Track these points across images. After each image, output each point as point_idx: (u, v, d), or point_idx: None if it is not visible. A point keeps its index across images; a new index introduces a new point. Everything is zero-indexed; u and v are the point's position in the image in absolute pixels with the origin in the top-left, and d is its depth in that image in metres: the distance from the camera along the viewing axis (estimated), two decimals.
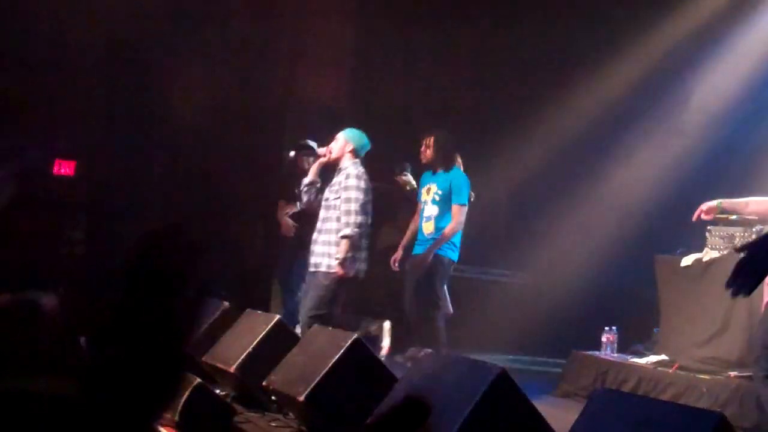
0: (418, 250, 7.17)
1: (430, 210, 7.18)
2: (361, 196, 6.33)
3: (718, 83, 8.43)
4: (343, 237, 6.28)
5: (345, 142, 6.55)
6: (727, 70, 8.39)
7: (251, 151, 8.76)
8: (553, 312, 8.27)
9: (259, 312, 5.66)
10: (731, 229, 6.74)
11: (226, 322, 5.89)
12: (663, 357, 6.94)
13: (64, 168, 8.38)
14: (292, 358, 4.85)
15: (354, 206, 6.30)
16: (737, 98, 8.22)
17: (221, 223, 8.48)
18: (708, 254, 6.86)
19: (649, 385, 6.68)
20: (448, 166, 7.13)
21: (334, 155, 6.55)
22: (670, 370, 6.68)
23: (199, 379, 4.61)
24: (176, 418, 4.41)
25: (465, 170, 7.28)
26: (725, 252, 6.70)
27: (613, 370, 7.04)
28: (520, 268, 7.86)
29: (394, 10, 8.94)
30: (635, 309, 7.86)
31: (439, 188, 7.12)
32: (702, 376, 6.46)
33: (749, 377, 5.61)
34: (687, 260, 7.01)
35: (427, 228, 7.18)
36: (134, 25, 8.24)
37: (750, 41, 8.33)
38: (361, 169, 6.48)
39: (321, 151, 6.66)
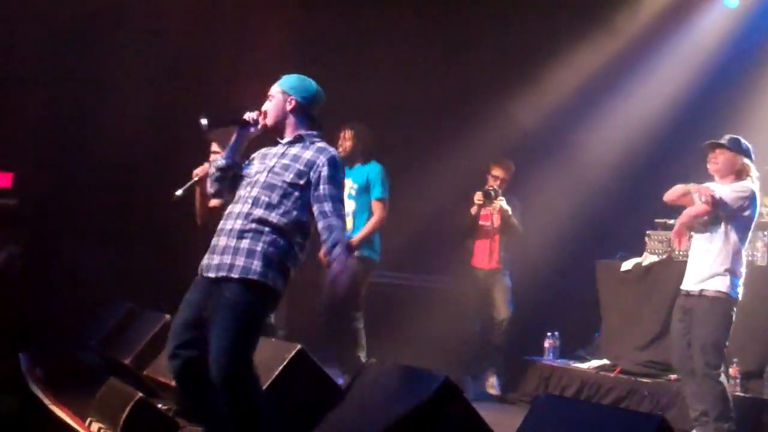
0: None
1: (347, 206, 6.84)
2: None
3: (659, 85, 8.56)
4: None
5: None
6: (669, 71, 8.52)
7: (194, 167, 8.65)
8: (481, 315, 8.28)
9: None
10: (670, 234, 6.84)
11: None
12: (604, 361, 7.01)
13: (2, 180, 8.22)
14: None
15: None
16: (678, 102, 8.35)
17: (162, 235, 8.38)
18: (647, 259, 6.96)
19: (591, 390, 6.75)
20: (366, 158, 6.79)
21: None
22: (612, 375, 6.76)
23: (140, 394, 4.55)
24: None
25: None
26: (664, 256, 6.81)
27: (555, 376, 7.10)
28: (462, 275, 7.88)
29: (339, 11, 8.90)
30: (577, 314, 7.92)
31: (354, 182, 6.72)
32: (643, 380, 6.55)
33: None
34: (627, 265, 7.10)
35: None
36: (75, 35, 8.11)
37: (691, 44, 8.49)
38: None
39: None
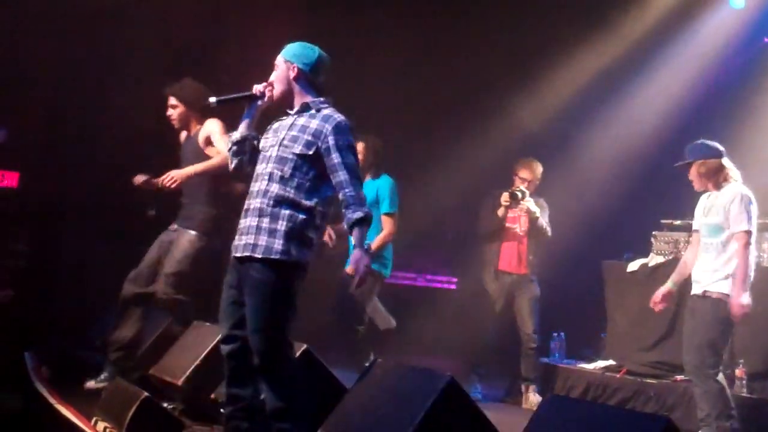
0: (347, 263, 6.47)
1: None
2: None
3: (665, 85, 8.56)
4: None
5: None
6: (674, 72, 8.52)
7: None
8: (501, 318, 8.29)
9: (206, 324, 5.59)
10: (676, 235, 6.84)
11: (174, 334, 5.82)
12: (610, 362, 7.01)
13: (8, 180, 8.24)
14: None
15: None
16: (684, 102, 8.34)
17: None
18: (653, 259, 6.95)
19: (597, 391, 6.74)
20: (377, 172, 6.70)
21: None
22: (618, 375, 6.75)
23: (146, 393, 4.55)
24: None
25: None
26: (670, 257, 6.79)
27: (561, 376, 7.10)
28: (467, 275, 7.86)
29: (341, 11, 8.90)
30: (583, 315, 7.91)
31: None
32: (649, 381, 6.54)
33: None
34: (633, 266, 7.09)
35: None
36: (79, 35, 8.12)
37: (697, 44, 8.49)
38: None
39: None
